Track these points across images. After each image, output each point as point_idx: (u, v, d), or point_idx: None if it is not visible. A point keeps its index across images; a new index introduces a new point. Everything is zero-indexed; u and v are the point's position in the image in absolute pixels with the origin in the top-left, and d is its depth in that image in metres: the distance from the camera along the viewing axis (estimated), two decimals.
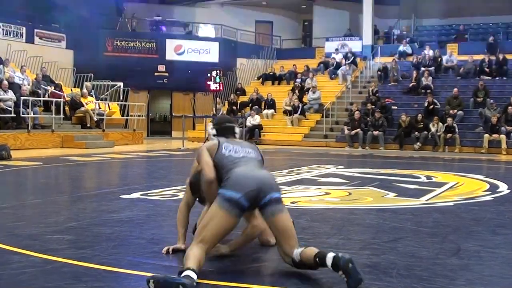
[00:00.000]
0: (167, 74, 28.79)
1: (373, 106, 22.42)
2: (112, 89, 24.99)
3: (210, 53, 29.36)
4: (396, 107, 23.18)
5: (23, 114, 18.32)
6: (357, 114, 21.57)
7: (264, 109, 25.41)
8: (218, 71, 22.58)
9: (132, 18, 30.77)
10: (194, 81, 27.13)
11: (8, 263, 4.34)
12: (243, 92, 28.15)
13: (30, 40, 26.41)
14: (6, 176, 11.01)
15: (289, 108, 24.54)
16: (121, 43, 28.55)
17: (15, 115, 18.05)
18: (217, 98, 25.43)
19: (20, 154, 15.02)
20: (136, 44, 28.77)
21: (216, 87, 22.64)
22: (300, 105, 24.32)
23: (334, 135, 22.71)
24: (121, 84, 25.48)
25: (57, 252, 4.55)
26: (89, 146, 18.61)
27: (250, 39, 33.32)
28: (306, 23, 36.76)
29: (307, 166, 13.00)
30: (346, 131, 21.42)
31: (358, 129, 21.13)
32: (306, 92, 25.90)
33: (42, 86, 20.82)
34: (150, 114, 29.96)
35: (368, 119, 21.66)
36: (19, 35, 26.21)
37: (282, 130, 24.01)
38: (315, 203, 7.61)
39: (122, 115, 24.28)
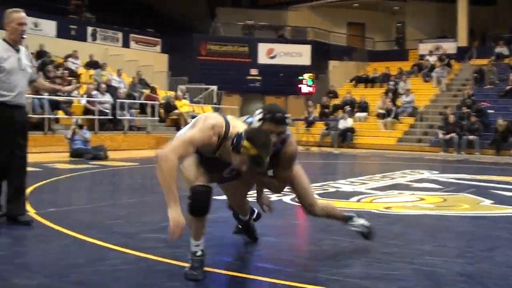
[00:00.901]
0: (259, 78, 28.99)
1: (469, 110, 21.80)
2: (206, 92, 25.40)
3: (302, 56, 29.37)
4: (492, 111, 22.42)
5: (119, 116, 18.86)
6: (451, 118, 21.05)
7: (357, 112, 25.19)
8: (310, 74, 22.59)
9: (225, 22, 31.16)
10: (286, 84, 27.22)
11: (105, 259, 4.47)
12: (335, 95, 28.00)
13: (126, 44, 27.23)
14: (104, 176, 11.36)
15: (382, 111, 24.23)
16: (214, 47, 28.95)
17: (112, 117, 18.61)
18: (309, 101, 25.37)
19: (117, 154, 15.45)
20: (228, 48, 29.11)
21: (308, 90, 22.67)
22: (394, 108, 23.98)
23: (428, 139, 22.25)
24: (215, 87, 25.87)
25: (153, 251, 4.65)
26: None
27: (342, 41, 33.13)
28: (399, 24, 36.18)
29: (401, 171, 12.79)
30: (441, 136, 20.94)
31: (453, 134, 20.60)
32: (400, 95, 25.52)
33: (138, 89, 21.39)
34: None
35: (463, 123, 21.08)
36: (115, 40, 27.07)
37: (375, 133, 23.71)
38: (409, 209, 7.48)
39: None
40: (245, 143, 3.69)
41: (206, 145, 3.88)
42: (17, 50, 5.64)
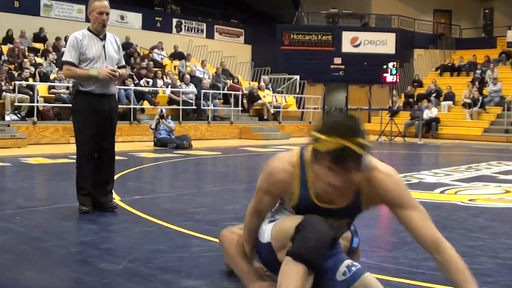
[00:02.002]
0: (343, 67, 28.76)
1: None
2: (289, 82, 25.40)
3: (386, 44, 28.93)
4: None
5: (203, 106, 19.10)
6: None
7: (442, 101, 24.64)
8: (394, 63, 22.24)
9: (308, 11, 31.04)
10: (370, 73, 26.88)
11: (188, 246, 4.55)
12: (420, 84, 27.49)
13: (210, 35, 27.52)
14: (188, 165, 11.55)
15: (468, 100, 23.62)
16: (297, 37, 28.87)
17: (196, 107, 18.87)
18: (393, 90, 25.01)
19: (200, 144, 15.66)
20: (312, 37, 28.97)
21: (393, 79, 22.32)
22: (480, 97, 23.33)
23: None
24: (298, 77, 25.83)
25: None
26: (266, 138, 19.04)
27: (427, 29, 32.43)
28: (487, 11, 35.08)
29: (487, 162, 12.45)
30: None
31: None
32: (487, 84, 24.81)
33: (222, 79, 21.60)
34: (326, 107, 30.09)
35: None
36: (200, 31, 27.39)
37: (460, 123, 23.16)
38: (495, 201, 7.28)
39: (298, 108, 24.62)
40: (320, 136, 2.58)
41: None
42: (102, 39, 5.75)
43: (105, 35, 5.78)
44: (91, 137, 5.68)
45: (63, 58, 5.76)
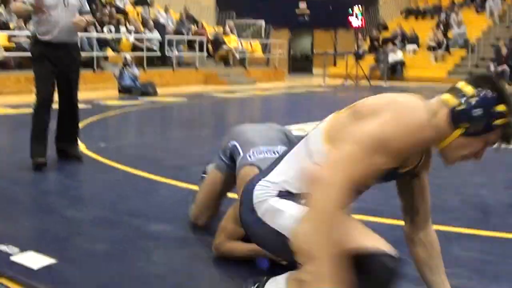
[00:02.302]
0: (308, 11, 28.56)
1: None
2: (254, 27, 25.19)
3: None
4: None
5: (168, 52, 18.89)
6: (503, 50, 20.49)
7: (407, 44, 24.70)
8: (360, 6, 22.16)
9: None
10: (335, 17, 26.74)
11: (155, 191, 4.56)
12: (386, 28, 27.47)
13: None
14: (152, 112, 11.47)
15: (433, 43, 23.72)
16: None
17: (160, 54, 18.65)
18: (359, 34, 24.99)
19: (166, 90, 15.53)
20: None
21: (358, 23, 22.27)
22: (445, 40, 23.42)
23: (479, 72, 21.74)
24: (263, 22, 25.62)
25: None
26: (232, 83, 18.95)
27: None
28: None
29: None
30: (492, 68, 20.45)
31: (505, 66, 20.08)
32: (451, 27, 24.89)
33: (186, 25, 21.32)
34: (292, 52, 29.97)
35: None
36: None
37: (425, 66, 23.27)
38: None
39: (264, 53, 24.49)
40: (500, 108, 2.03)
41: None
42: None
43: None
44: (50, 85, 5.47)
45: None
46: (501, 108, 2.03)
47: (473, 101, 2.02)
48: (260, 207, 2.25)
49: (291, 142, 3.31)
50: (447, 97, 2.08)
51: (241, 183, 2.96)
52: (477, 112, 2.01)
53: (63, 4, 5.37)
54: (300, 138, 2.43)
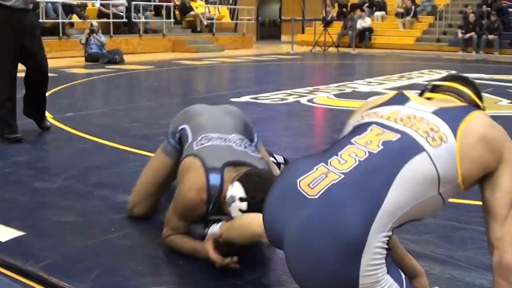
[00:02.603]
0: None
1: (489, 9, 21.30)
2: None
3: None
4: None
5: (134, 19, 18.65)
6: (471, 17, 20.60)
7: (375, 11, 24.70)
8: None
9: None
10: None
11: (124, 161, 4.54)
12: None
13: None
14: (120, 80, 11.36)
15: (401, 10, 23.75)
16: None
17: (126, 20, 18.40)
18: (327, 0, 24.90)
19: (132, 58, 15.39)
20: None
21: None
22: (413, 7, 23.46)
23: (447, 39, 21.84)
24: None
25: None
26: (199, 50, 18.82)
27: None
28: None
29: (419, 71, 12.67)
30: (460, 35, 20.57)
31: (472, 33, 20.21)
32: None
33: None
34: (260, 18, 29.79)
35: (483, 22, 20.63)
36: None
37: (393, 33, 23.30)
38: None
39: (232, 19, 24.30)
40: None
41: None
42: None
43: None
44: (13, 55, 5.19)
45: None
46: None
47: None
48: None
49: (248, 131, 3.10)
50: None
51: (181, 174, 2.76)
52: None
53: None
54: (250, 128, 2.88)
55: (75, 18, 17.19)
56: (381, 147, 1.93)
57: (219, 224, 2.63)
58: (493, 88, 9.41)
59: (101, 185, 3.88)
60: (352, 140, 2.01)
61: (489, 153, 1.93)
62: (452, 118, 1.98)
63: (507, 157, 1.97)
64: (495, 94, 8.67)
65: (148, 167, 3.31)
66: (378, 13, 24.42)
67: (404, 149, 1.91)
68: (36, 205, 3.51)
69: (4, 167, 4.38)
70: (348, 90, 9.16)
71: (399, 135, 1.95)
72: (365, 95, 8.43)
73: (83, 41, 14.58)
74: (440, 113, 2.01)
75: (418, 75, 11.65)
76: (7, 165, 4.44)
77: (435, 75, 11.74)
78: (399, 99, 2.17)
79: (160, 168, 3.19)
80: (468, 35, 20.25)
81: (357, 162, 1.90)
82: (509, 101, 8.08)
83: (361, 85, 9.81)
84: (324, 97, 8.43)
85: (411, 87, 9.61)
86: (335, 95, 8.60)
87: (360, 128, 2.07)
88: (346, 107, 7.38)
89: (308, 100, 8.00)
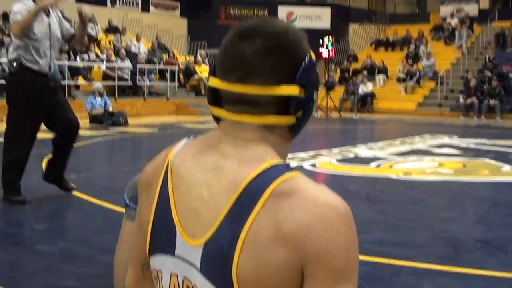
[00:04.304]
0: None
1: (490, 74, 21.57)
2: None
3: (322, 19, 29.12)
4: None
5: (139, 82, 18.87)
6: (473, 82, 20.83)
7: (377, 75, 24.97)
8: (330, 37, 22.39)
9: None
10: None
11: None
12: (356, 59, 27.78)
13: (145, 9, 27.14)
14: (123, 142, 11.42)
15: (402, 75, 24.03)
16: (234, 11, 28.77)
17: (131, 83, 18.63)
18: (332, 65, 25.23)
19: (136, 120, 15.49)
20: (248, 12, 28.90)
21: (328, 54, 22.48)
22: (415, 72, 23.74)
23: (448, 104, 22.05)
24: None
25: None
26: (203, 113, 18.92)
27: (363, 4, 32.76)
28: None
29: (421, 135, 12.73)
30: (461, 100, 20.76)
31: (474, 98, 20.40)
32: (420, 59, 25.27)
33: (157, 54, 21.36)
34: None
35: (485, 87, 20.86)
36: (135, 5, 26.99)
37: (395, 98, 23.51)
38: (429, 174, 7.45)
39: None
40: None
41: None
42: (47, 14, 5.34)
43: (49, 12, 5.37)
44: (37, 118, 5.29)
45: (14, 19, 5.14)
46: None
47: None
48: None
49: None
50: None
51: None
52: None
53: (48, 35, 5.31)
54: None
55: (80, 80, 17.39)
56: None
57: None
58: (496, 154, 9.43)
59: (104, 249, 3.85)
60: None
61: None
62: (219, 268, 1.11)
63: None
64: (498, 160, 8.67)
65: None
66: (379, 78, 24.68)
67: None
68: (35, 268, 3.50)
69: (5, 228, 4.38)
70: (351, 155, 9.18)
71: None
72: (367, 160, 8.45)
73: (88, 103, 14.72)
74: (205, 264, 1.13)
75: (421, 140, 11.69)
76: (9, 227, 4.43)
77: (437, 140, 11.79)
78: (165, 236, 1.22)
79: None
80: (469, 100, 20.43)
81: None
82: (511, 166, 8.08)
83: (363, 150, 9.84)
84: (327, 162, 8.45)
85: (413, 152, 9.63)
86: (337, 160, 8.63)
87: None
88: (349, 172, 7.39)
89: (311, 165, 8.02)
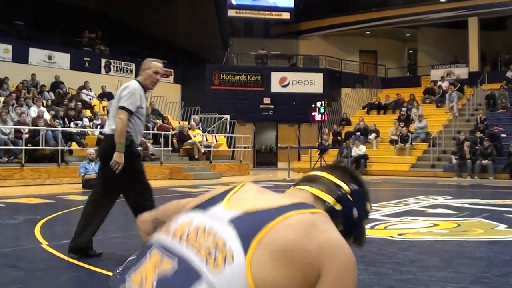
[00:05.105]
0: (272, 106, 29.06)
1: (482, 135, 21.76)
2: (219, 121, 25.48)
3: (314, 84, 29.45)
4: (505, 135, 22.34)
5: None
6: (466, 144, 20.97)
7: (369, 138, 25.13)
8: (322, 102, 22.62)
9: (237, 52, 31.33)
10: (299, 112, 27.26)
11: None
12: (348, 122, 28.00)
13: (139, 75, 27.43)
14: (117, 207, 11.32)
15: (395, 137, 24.20)
16: (227, 77, 29.09)
17: None
18: (325, 128, 25.40)
19: None
20: (241, 78, 29.23)
21: (321, 118, 22.67)
22: (410, 134, 23.92)
23: (441, 165, 22.16)
24: (228, 116, 25.95)
25: None
26: (197, 178, 18.94)
27: (354, 68, 33.22)
28: (411, 51, 36.36)
29: (415, 196, 12.73)
30: (454, 161, 20.86)
31: (467, 160, 20.50)
32: (412, 121, 25.49)
33: (151, 119, 21.49)
34: (256, 146, 30.23)
35: (477, 148, 21.00)
36: (128, 71, 27.32)
37: (388, 160, 23.63)
38: (423, 235, 7.41)
39: (229, 147, 24.64)
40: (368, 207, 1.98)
41: None
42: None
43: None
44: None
45: (124, 104, 5.58)
46: (368, 207, 1.84)
47: (349, 199, 1.74)
48: None
49: None
50: (318, 192, 1.72)
51: None
52: (355, 213, 1.74)
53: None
54: None
55: (74, 146, 17.42)
56: (155, 284, 1.46)
57: None
58: (490, 213, 9.43)
59: None
60: (128, 276, 1.58)
61: (291, 271, 1.40)
62: (251, 226, 1.47)
63: (327, 275, 1.45)
64: (492, 219, 8.67)
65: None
66: (372, 140, 24.83)
67: (180, 281, 1.43)
68: None
69: None
70: None
71: (175, 263, 1.47)
72: None
73: (82, 168, 14.70)
74: (239, 220, 1.50)
75: (415, 201, 11.68)
76: None
77: (431, 200, 11.79)
78: (216, 199, 1.65)
79: None
80: (462, 160, 20.54)
81: None
82: (506, 225, 8.05)
83: None
84: None
85: (408, 213, 9.62)
86: None
87: (143, 253, 1.64)
88: None
89: None
